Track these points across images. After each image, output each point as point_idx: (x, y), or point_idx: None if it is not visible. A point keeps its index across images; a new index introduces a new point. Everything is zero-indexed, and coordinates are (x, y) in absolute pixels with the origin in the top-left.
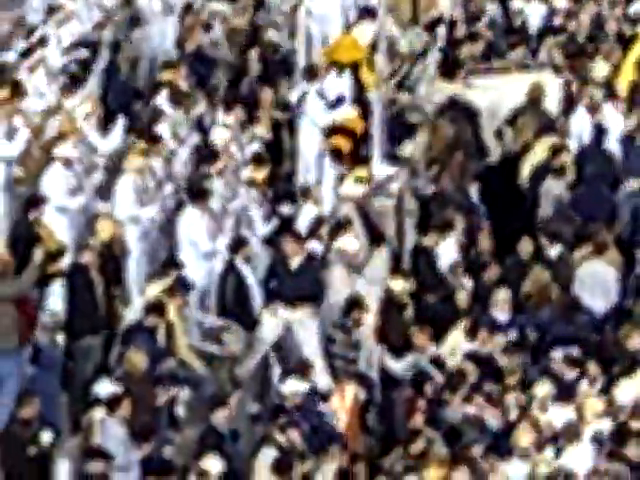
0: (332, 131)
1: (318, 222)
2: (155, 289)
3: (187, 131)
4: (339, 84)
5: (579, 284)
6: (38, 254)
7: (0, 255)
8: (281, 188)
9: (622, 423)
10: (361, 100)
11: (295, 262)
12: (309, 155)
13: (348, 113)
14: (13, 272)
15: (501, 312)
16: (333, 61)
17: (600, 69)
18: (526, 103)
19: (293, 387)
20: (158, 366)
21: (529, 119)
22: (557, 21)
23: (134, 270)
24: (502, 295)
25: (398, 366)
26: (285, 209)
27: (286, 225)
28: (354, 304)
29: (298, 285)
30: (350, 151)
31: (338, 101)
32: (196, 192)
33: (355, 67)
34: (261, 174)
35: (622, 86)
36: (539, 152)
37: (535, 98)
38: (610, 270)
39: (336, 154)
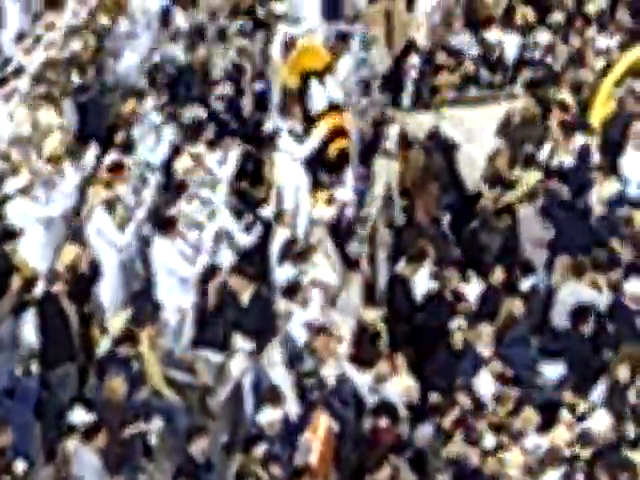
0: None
1: (290, 245)
2: (123, 319)
3: (155, 160)
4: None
5: (561, 308)
6: (15, 282)
7: None
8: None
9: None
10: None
11: (245, 298)
12: (287, 185)
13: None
14: None
15: (485, 347)
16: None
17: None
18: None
19: (269, 417)
20: (132, 396)
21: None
22: (534, 54)
23: (109, 297)
24: (486, 330)
25: (368, 395)
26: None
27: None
28: (321, 332)
29: (250, 320)
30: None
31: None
32: (162, 221)
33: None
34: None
35: (594, 119)
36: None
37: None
38: (592, 292)
39: (342, 157)
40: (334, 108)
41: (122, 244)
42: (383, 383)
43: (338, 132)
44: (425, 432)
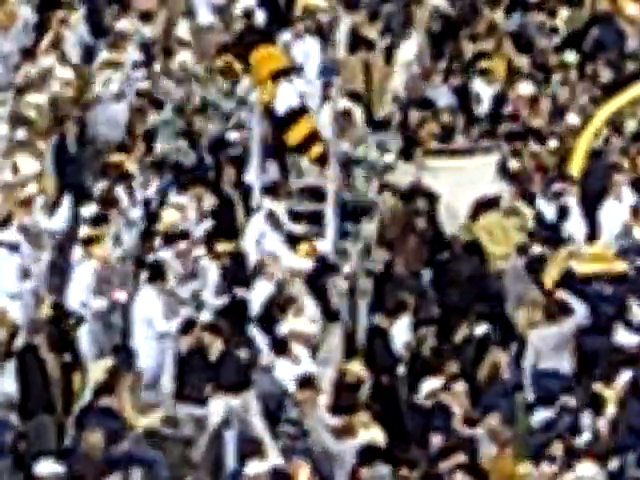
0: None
1: (271, 303)
2: (100, 370)
3: (137, 212)
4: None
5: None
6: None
7: None
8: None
9: None
10: None
11: (214, 353)
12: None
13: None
14: None
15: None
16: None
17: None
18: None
19: (255, 469)
20: (112, 447)
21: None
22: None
23: (88, 347)
24: (459, 388)
25: (341, 448)
26: (238, 291)
27: (238, 305)
28: (306, 384)
29: (221, 374)
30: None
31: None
32: (153, 272)
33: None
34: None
35: (574, 170)
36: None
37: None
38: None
39: (322, 160)
40: (303, 112)
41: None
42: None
43: (312, 137)
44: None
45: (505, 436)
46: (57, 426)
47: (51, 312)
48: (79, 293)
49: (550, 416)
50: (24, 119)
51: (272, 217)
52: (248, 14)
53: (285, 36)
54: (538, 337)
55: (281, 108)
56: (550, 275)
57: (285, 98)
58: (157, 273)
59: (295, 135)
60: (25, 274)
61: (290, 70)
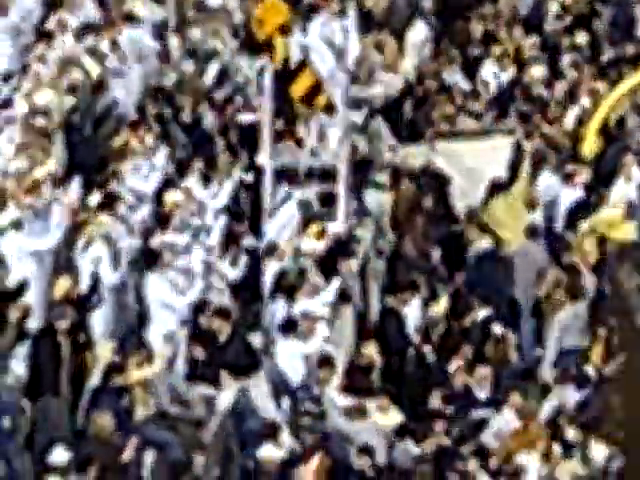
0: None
1: (281, 278)
2: (109, 350)
3: (144, 193)
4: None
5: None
6: (14, 313)
7: None
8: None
9: None
10: None
11: (223, 336)
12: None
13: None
14: None
15: (481, 389)
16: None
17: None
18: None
19: (269, 452)
20: (123, 426)
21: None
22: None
23: (101, 329)
24: (482, 372)
25: (353, 429)
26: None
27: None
28: (323, 363)
29: (229, 358)
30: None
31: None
32: (151, 257)
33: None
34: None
35: (585, 152)
36: None
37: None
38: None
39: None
40: (306, 65)
41: (116, 276)
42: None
43: (316, 89)
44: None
45: (529, 410)
46: (69, 409)
47: (64, 294)
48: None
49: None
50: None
51: (303, 204)
52: None
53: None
54: (564, 317)
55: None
56: (582, 250)
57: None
58: (155, 258)
59: (299, 87)
60: (35, 254)
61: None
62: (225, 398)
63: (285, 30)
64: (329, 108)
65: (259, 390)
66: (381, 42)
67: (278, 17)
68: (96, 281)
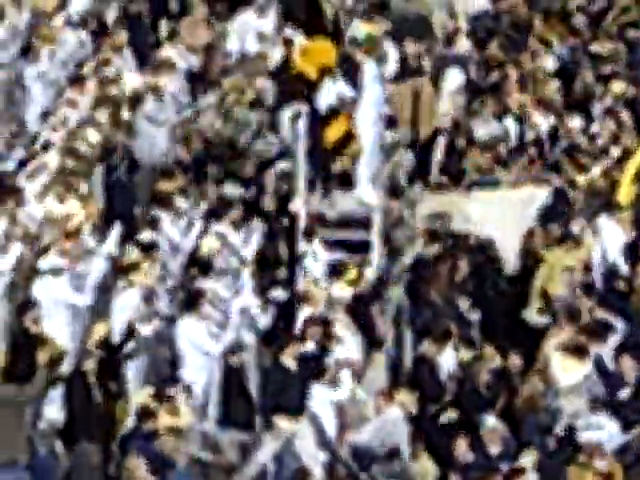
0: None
1: (311, 323)
2: (145, 395)
3: (180, 238)
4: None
5: None
6: (43, 358)
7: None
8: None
9: None
10: None
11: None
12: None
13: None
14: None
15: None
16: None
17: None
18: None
19: None
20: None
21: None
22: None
23: (135, 374)
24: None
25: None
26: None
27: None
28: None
29: (274, 399)
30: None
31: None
32: (190, 298)
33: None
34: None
35: (621, 198)
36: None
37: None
38: None
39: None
40: (342, 109)
41: (151, 322)
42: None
43: (349, 136)
44: None
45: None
46: (102, 454)
47: (100, 340)
48: (124, 320)
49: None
50: (75, 151)
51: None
52: None
53: None
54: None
55: (322, 103)
56: None
57: (325, 95)
58: (194, 300)
59: (332, 133)
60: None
61: (334, 68)
62: (269, 447)
63: (328, 72)
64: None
65: (302, 438)
66: (418, 88)
67: (324, 57)
68: (132, 329)
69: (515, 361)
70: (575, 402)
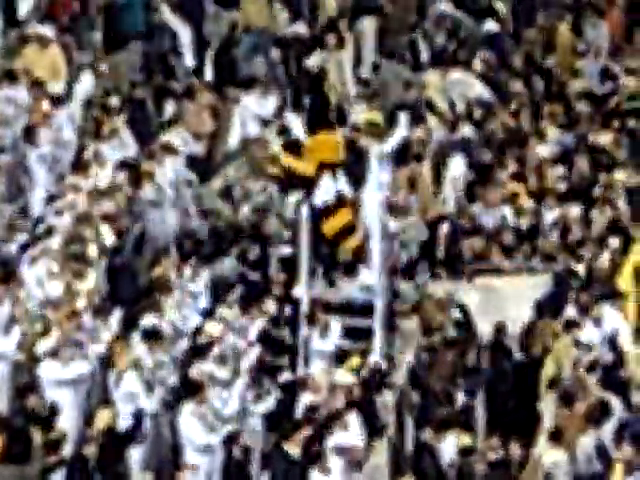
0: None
1: (311, 410)
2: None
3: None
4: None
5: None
6: (43, 439)
7: None
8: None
9: None
10: None
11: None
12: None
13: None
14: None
15: None
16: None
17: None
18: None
19: None
20: None
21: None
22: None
23: (137, 460)
24: None
25: None
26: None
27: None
28: None
29: None
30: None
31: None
32: (191, 386)
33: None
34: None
35: (623, 286)
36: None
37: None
38: None
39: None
40: (342, 203)
41: (151, 408)
42: None
43: (349, 229)
44: None
45: None
46: None
47: (103, 427)
48: (125, 402)
49: None
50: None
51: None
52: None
53: None
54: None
55: (318, 200)
56: None
57: (324, 192)
58: (194, 389)
59: (331, 226)
60: (73, 384)
61: (339, 166)
62: None
63: (332, 167)
64: (359, 252)
65: None
66: (415, 175)
67: (327, 153)
68: (139, 417)
69: (516, 451)
70: None
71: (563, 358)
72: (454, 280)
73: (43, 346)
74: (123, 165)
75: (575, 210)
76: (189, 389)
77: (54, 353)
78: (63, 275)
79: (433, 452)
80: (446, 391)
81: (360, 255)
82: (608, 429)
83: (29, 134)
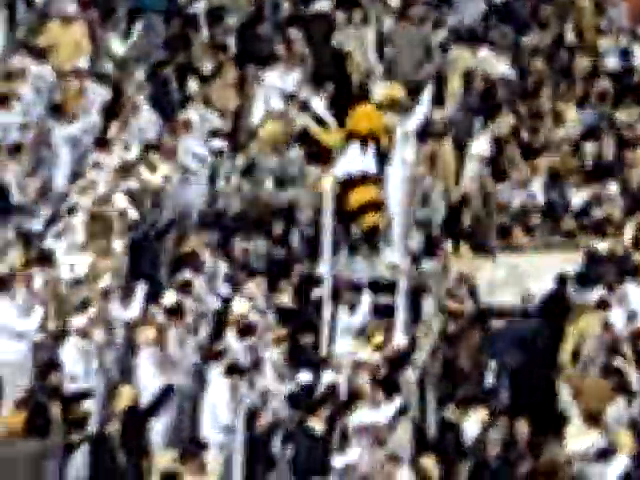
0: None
1: (331, 390)
2: (167, 459)
3: (208, 297)
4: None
5: None
6: (56, 413)
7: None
8: (303, 359)
9: None
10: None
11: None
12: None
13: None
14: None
15: None
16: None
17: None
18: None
19: None
20: None
21: None
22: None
23: (159, 436)
24: None
25: None
26: (304, 377)
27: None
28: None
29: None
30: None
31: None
32: (229, 367)
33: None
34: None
35: None
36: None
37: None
38: None
39: (371, 232)
40: (368, 179)
41: (174, 385)
42: None
43: (371, 205)
44: None
45: None
46: None
47: (128, 405)
48: (146, 380)
49: None
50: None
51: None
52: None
53: None
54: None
55: (340, 171)
56: None
57: (349, 162)
58: (232, 369)
59: (356, 199)
60: (97, 362)
61: (370, 139)
62: None
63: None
64: (374, 231)
65: None
66: (436, 152)
67: (372, 122)
68: (161, 395)
69: (523, 429)
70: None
71: (587, 336)
72: (477, 256)
73: (74, 324)
74: (146, 143)
75: (605, 188)
76: (226, 369)
77: (81, 332)
78: (87, 252)
79: (456, 430)
80: (473, 369)
81: (375, 233)
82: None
83: (57, 111)
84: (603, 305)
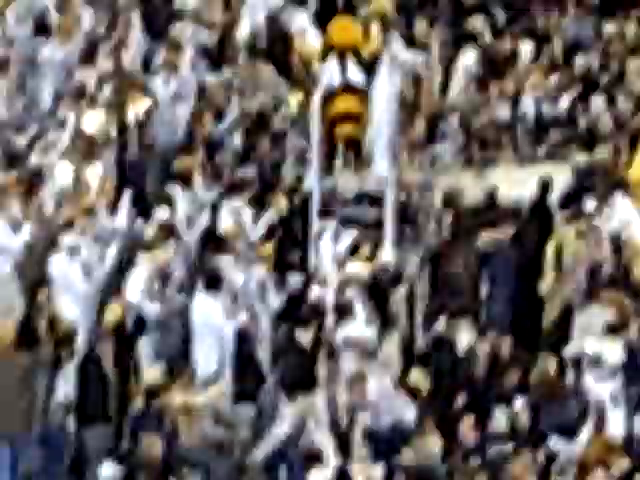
0: (338, 120)
1: (319, 302)
2: (154, 374)
3: (196, 215)
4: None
5: None
6: (48, 333)
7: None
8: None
9: None
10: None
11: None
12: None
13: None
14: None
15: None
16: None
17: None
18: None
19: (317, 478)
20: (168, 452)
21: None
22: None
23: (147, 353)
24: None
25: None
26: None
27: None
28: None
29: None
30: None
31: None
32: (209, 279)
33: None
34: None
35: (632, 177)
36: None
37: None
38: None
39: (351, 144)
40: (350, 89)
41: (163, 300)
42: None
43: (349, 116)
44: None
45: None
46: (114, 431)
47: (114, 319)
48: (135, 296)
49: None
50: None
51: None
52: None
53: None
54: None
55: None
56: None
57: (329, 76)
58: (214, 281)
59: (332, 110)
60: (86, 278)
61: (349, 50)
62: (282, 429)
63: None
64: (354, 142)
65: (317, 418)
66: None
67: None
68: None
69: (505, 348)
70: None
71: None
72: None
73: (65, 242)
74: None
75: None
76: (205, 280)
77: (73, 250)
78: (72, 165)
79: (448, 343)
80: (466, 280)
81: (354, 147)
82: None
83: (42, 30)
84: (579, 216)
